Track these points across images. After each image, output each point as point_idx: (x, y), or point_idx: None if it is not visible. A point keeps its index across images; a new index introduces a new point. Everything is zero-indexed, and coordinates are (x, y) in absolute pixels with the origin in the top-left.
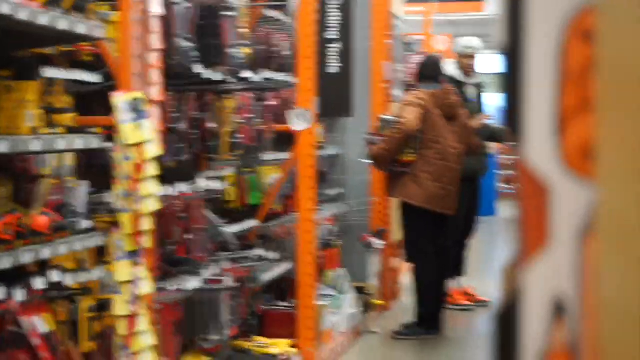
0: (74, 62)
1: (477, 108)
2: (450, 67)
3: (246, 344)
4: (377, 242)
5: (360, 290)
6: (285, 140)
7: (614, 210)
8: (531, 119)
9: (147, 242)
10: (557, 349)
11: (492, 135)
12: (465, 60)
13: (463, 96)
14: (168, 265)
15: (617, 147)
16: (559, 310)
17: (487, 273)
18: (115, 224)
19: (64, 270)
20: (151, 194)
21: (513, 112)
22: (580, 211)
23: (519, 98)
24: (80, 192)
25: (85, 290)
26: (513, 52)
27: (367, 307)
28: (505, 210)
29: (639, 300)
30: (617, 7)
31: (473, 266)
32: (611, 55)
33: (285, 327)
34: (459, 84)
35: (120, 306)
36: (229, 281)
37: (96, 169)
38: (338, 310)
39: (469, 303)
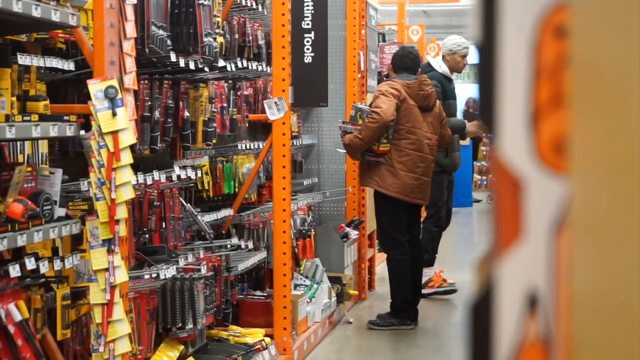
0: (47, 49)
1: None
2: (439, 64)
3: (221, 333)
4: (353, 232)
5: (335, 280)
6: (260, 129)
7: (586, 204)
8: (505, 113)
9: (122, 230)
10: (531, 341)
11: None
12: (456, 58)
13: (452, 93)
14: (143, 253)
15: (590, 142)
16: (532, 302)
17: (461, 263)
18: (90, 212)
19: (39, 258)
20: (126, 182)
21: (487, 106)
22: (553, 205)
23: (493, 92)
24: (55, 180)
25: (60, 278)
26: (487, 46)
27: (342, 296)
28: (481, 201)
29: (610, 293)
30: (590, 3)
31: (448, 256)
32: (584, 51)
33: (260, 316)
34: (449, 81)
35: (95, 294)
36: (204, 270)
37: (71, 156)
38: (313, 299)
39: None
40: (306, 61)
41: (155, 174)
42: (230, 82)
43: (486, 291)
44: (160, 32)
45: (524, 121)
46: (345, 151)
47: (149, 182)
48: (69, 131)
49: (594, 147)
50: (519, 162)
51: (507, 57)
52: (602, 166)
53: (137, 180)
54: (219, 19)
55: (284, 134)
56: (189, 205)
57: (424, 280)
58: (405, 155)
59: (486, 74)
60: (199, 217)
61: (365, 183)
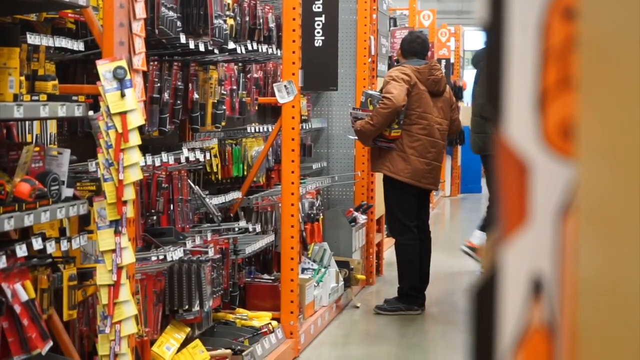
0: (57, 29)
1: None
2: None
3: (228, 316)
4: (361, 217)
5: (343, 265)
6: (270, 112)
7: (593, 189)
8: (512, 97)
9: (129, 211)
10: (535, 327)
11: None
12: None
13: None
14: (151, 235)
15: (597, 126)
16: (537, 288)
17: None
18: (98, 193)
19: (46, 238)
20: (134, 163)
21: (494, 89)
22: (559, 190)
23: (500, 75)
24: (63, 160)
25: (67, 258)
26: (494, 28)
27: (350, 281)
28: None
29: (616, 279)
30: None
31: (456, 242)
32: (592, 33)
33: (267, 299)
34: None
35: (102, 275)
36: (211, 252)
37: (79, 137)
38: (320, 284)
39: None
40: (316, 45)
41: (164, 155)
42: (240, 64)
43: (491, 276)
44: (170, 13)
45: (531, 104)
46: (356, 137)
47: (158, 163)
48: (78, 111)
49: (602, 131)
50: (526, 145)
51: (514, 38)
52: (609, 150)
53: (146, 162)
54: (229, 1)
55: (293, 118)
56: (197, 187)
57: None
58: (417, 140)
59: (494, 57)
60: (207, 200)
61: (377, 169)
